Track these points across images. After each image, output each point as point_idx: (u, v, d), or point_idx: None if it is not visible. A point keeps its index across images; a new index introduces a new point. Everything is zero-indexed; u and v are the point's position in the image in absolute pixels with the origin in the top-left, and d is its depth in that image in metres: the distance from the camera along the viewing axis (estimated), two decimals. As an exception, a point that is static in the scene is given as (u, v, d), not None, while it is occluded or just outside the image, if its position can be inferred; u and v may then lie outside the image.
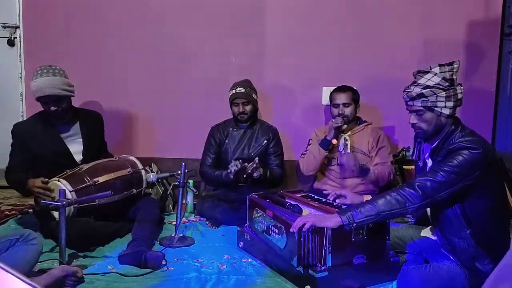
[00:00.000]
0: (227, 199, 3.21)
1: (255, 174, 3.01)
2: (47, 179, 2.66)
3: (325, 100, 3.63)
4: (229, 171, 3.03)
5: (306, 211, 2.40)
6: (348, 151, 3.12)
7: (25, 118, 3.64)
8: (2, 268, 0.95)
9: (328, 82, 3.62)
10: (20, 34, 3.80)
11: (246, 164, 3.02)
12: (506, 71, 3.61)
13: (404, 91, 2.16)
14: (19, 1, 3.77)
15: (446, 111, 2.08)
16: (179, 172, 2.78)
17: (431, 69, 2.12)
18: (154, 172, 3.13)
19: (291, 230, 2.13)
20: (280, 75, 3.72)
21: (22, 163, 2.86)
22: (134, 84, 3.76)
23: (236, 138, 3.34)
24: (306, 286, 2.11)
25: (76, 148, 2.94)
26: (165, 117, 3.80)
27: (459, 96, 2.10)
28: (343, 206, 2.38)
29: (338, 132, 3.13)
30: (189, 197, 3.38)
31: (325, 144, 3.17)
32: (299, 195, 2.66)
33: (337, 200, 2.50)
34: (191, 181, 3.41)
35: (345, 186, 3.23)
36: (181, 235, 2.81)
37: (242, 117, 3.29)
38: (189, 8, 3.69)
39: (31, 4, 3.75)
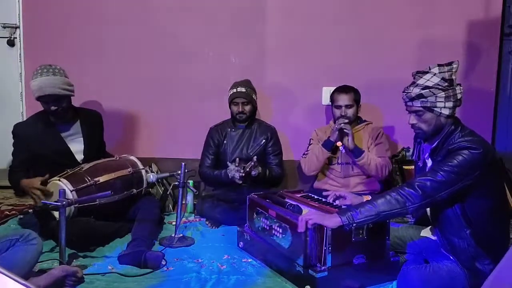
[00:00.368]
0: (227, 199, 3.21)
1: (253, 173, 3.01)
2: (47, 176, 2.65)
3: (325, 100, 3.63)
4: (231, 177, 3.00)
5: (306, 211, 2.40)
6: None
7: (25, 118, 3.64)
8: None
9: (328, 82, 3.62)
10: (20, 34, 3.80)
11: (242, 163, 3.02)
12: (506, 71, 3.60)
13: (403, 92, 2.16)
14: (19, 1, 3.77)
15: (446, 111, 2.08)
16: (179, 172, 2.78)
17: (430, 69, 2.12)
18: (154, 172, 3.13)
19: (299, 230, 2.12)
20: (280, 75, 3.72)
21: (23, 163, 2.86)
22: (134, 84, 3.76)
23: (234, 139, 3.35)
24: (306, 286, 2.11)
25: (77, 147, 2.94)
26: (165, 117, 3.80)
27: (459, 96, 2.10)
28: (343, 206, 2.38)
29: (342, 134, 3.12)
30: (189, 197, 3.38)
31: (328, 145, 3.17)
32: (299, 195, 2.66)
33: (336, 201, 2.50)
34: (191, 181, 3.41)
35: (346, 185, 3.23)
36: (181, 235, 2.81)
37: (241, 116, 3.29)
38: (189, 8, 3.69)
39: (31, 4, 3.75)
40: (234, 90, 3.29)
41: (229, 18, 3.69)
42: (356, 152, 3.11)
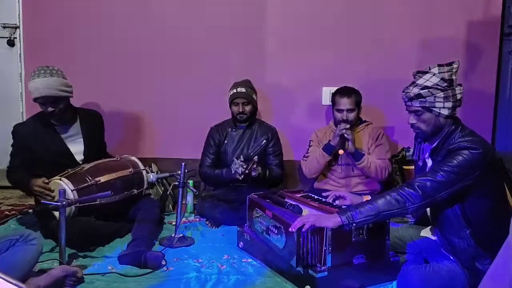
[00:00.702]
0: (227, 199, 3.21)
1: (253, 173, 3.01)
2: (47, 181, 2.66)
3: (325, 100, 3.63)
4: (233, 172, 3.00)
5: (306, 211, 2.40)
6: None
7: (25, 118, 3.64)
8: None
9: (328, 82, 3.62)
10: (20, 34, 3.80)
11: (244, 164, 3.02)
12: (506, 71, 3.60)
13: (403, 92, 2.16)
14: (19, 1, 3.77)
15: (445, 112, 2.08)
16: (179, 172, 2.78)
17: (430, 69, 2.12)
18: (154, 172, 3.13)
19: (290, 230, 2.13)
20: (280, 75, 3.72)
21: (22, 164, 2.86)
22: (134, 84, 3.76)
23: (235, 139, 3.35)
24: (306, 286, 2.11)
25: (77, 148, 2.93)
26: (165, 117, 3.80)
27: (458, 96, 2.10)
28: (343, 206, 2.38)
29: (343, 138, 3.10)
30: (189, 197, 3.37)
31: (329, 149, 3.15)
32: (299, 195, 2.66)
33: (336, 201, 2.50)
34: (191, 181, 3.41)
35: (346, 185, 3.23)
36: (181, 235, 2.81)
37: (241, 117, 3.29)
38: (189, 8, 3.69)
39: (31, 4, 3.74)
40: (234, 90, 3.29)
41: (229, 18, 3.69)
42: (356, 155, 3.11)
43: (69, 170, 2.73)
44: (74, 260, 2.50)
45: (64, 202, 2.30)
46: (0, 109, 3.87)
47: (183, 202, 2.86)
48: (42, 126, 2.89)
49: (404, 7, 3.57)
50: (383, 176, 3.17)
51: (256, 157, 3.06)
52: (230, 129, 3.37)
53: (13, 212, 3.24)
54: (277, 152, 3.37)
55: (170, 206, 3.41)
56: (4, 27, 3.81)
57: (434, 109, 2.08)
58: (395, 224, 2.64)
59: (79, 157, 2.92)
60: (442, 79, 2.07)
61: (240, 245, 2.67)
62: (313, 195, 2.65)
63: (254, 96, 3.33)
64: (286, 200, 2.55)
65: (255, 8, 3.66)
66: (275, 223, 2.33)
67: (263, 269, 2.43)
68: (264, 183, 3.18)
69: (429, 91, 2.07)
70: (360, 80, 3.52)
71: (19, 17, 3.79)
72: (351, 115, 3.17)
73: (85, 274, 2.23)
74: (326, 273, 2.08)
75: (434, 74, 2.09)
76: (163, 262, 2.44)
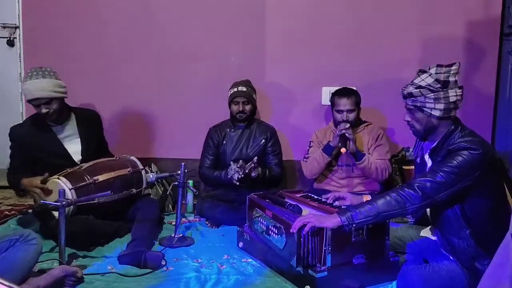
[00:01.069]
0: (227, 199, 3.21)
1: (253, 174, 3.01)
2: (46, 175, 2.65)
3: (325, 100, 3.63)
4: (229, 176, 2.99)
5: (305, 211, 2.40)
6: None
7: (24, 118, 3.64)
8: None
9: (328, 82, 3.62)
10: (20, 34, 3.81)
11: (243, 164, 3.02)
12: (505, 71, 3.60)
13: (401, 89, 2.17)
14: (19, 1, 3.77)
15: (436, 113, 2.08)
16: (179, 172, 2.79)
17: (429, 69, 2.12)
18: (154, 172, 3.13)
19: (291, 231, 2.13)
20: (280, 75, 3.71)
21: (22, 165, 2.86)
22: (134, 84, 3.76)
23: (234, 139, 3.34)
24: (306, 286, 2.11)
25: (74, 148, 2.93)
26: (165, 117, 3.79)
27: (452, 99, 2.07)
28: (343, 207, 2.38)
29: (344, 138, 3.09)
30: (189, 197, 3.38)
31: (328, 150, 3.15)
32: (298, 195, 2.66)
33: (336, 202, 2.50)
34: (190, 181, 3.41)
35: (346, 186, 3.23)
36: (181, 235, 2.81)
37: (241, 116, 3.29)
38: (189, 8, 3.68)
39: (31, 4, 3.74)
40: (235, 89, 3.29)
41: (229, 18, 3.68)
42: (358, 155, 3.11)
43: (68, 169, 2.73)
44: (74, 260, 2.50)
45: (64, 202, 2.30)
46: (0, 109, 3.87)
47: (183, 202, 2.86)
48: (39, 127, 2.88)
49: (404, 7, 3.57)
50: (384, 176, 3.17)
51: (256, 157, 3.05)
52: (228, 130, 3.37)
53: (13, 212, 3.25)
54: (276, 151, 3.37)
55: (170, 206, 3.41)
56: (4, 27, 3.81)
57: (425, 109, 2.09)
58: (395, 224, 2.64)
59: (76, 157, 2.91)
60: (437, 80, 2.07)
61: (240, 245, 2.67)
62: (312, 195, 2.65)
63: (254, 95, 3.33)
64: (286, 200, 2.55)
65: (255, 8, 3.66)
66: (275, 223, 2.33)
67: (263, 269, 2.43)
68: (263, 183, 3.17)
69: (420, 91, 2.07)
70: (360, 80, 3.52)
71: (18, 17, 3.79)
72: (351, 116, 3.17)
73: (85, 274, 2.23)
74: (326, 273, 2.09)
75: (430, 75, 2.09)
76: (163, 262, 2.44)
